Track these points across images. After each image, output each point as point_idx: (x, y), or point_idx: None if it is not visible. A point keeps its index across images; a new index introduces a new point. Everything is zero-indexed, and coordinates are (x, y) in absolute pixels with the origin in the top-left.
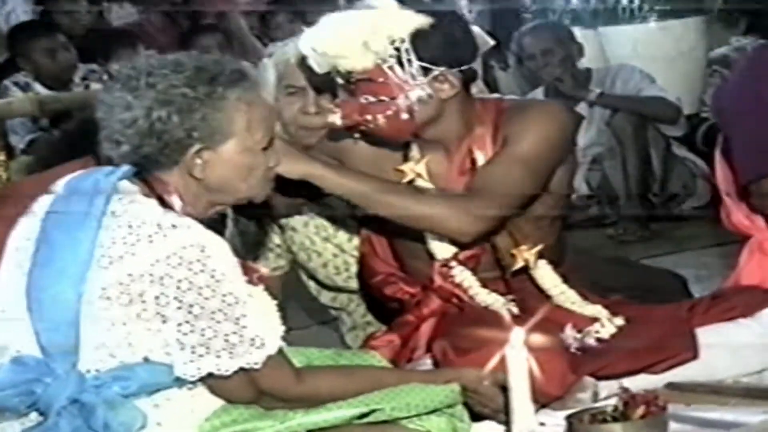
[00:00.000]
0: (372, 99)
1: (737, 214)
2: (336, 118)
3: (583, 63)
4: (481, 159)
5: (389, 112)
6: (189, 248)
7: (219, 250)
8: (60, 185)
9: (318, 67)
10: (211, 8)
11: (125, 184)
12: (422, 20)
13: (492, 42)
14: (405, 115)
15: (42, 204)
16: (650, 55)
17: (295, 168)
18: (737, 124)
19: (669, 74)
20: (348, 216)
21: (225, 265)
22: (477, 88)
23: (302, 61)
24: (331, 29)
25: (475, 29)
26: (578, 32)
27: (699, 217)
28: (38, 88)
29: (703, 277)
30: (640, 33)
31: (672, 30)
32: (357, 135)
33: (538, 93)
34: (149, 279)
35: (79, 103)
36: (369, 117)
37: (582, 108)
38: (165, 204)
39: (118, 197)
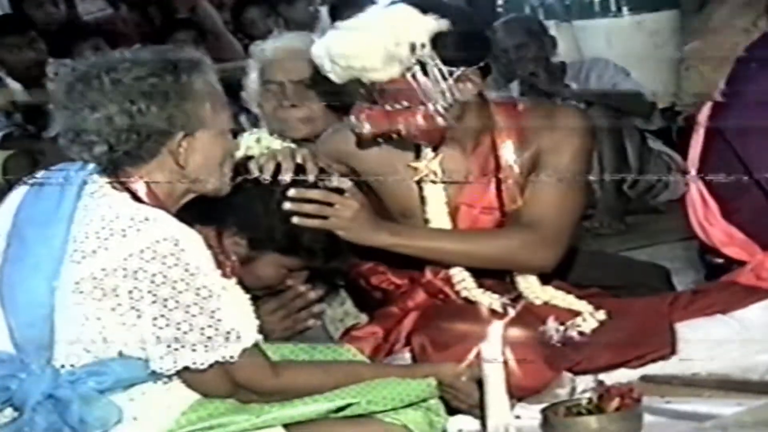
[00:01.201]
0: (398, 106)
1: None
2: (364, 127)
3: (558, 56)
4: (508, 159)
5: (421, 118)
6: (163, 242)
7: (193, 244)
8: (26, 183)
9: (338, 78)
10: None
11: (95, 178)
12: (439, 24)
13: None
14: (439, 119)
15: (12, 200)
16: (624, 48)
17: (367, 238)
18: None
19: (643, 68)
20: None
21: (199, 258)
22: None
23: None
24: (351, 41)
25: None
26: (552, 26)
27: (675, 210)
28: (10, 82)
29: (678, 269)
30: (615, 27)
31: (646, 24)
32: (381, 141)
33: (513, 87)
34: (122, 273)
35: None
36: (401, 125)
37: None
38: (137, 198)
39: (90, 191)
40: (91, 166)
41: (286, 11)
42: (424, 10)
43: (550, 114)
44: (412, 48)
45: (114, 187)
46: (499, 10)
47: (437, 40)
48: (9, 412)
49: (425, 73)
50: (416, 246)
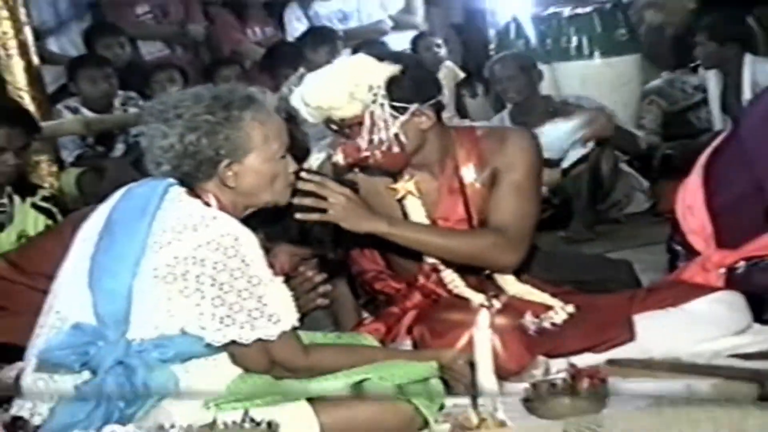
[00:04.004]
0: (365, 139)
1: (695, 235)
2: (339, 158)
3: (542, 91)
4: (468, 178)
5: (384, 147)
6: (226, 236)
7: (249, 241)
8: (121, 191)
9: (312, 118)
10: (227, 43)
11: (176, 189)
12: (392, 68)
13: (463, 74)
14: (396, 148)
15: (107, 204)
16: (596, 86)
17: (363, 225)
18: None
19: (611, 103)
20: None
21: (253, 253)
22: (449, 114)
23: None
24: (319, 87)
25: (449, 64)
26: None
27: (636, 221)
28: (85, 111)
29: (639, 270)
30: (587, 68)
31: (614, 65)
32: (357, 170)
33: (504, 115)
34: (192, 261)
35: (119, 124)
36: (367, 154)
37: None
38: (207, 204)
39: (170, 198)
40: (171, 179)
41: (310, 54)
42: (380, 59)
43: (504, 137)
44: (370, 89)
45: (190, 195)
46: (491, 53)
47: (392, 83)
48: (86, 375)
49: (382, 110)
50: (406, 236)
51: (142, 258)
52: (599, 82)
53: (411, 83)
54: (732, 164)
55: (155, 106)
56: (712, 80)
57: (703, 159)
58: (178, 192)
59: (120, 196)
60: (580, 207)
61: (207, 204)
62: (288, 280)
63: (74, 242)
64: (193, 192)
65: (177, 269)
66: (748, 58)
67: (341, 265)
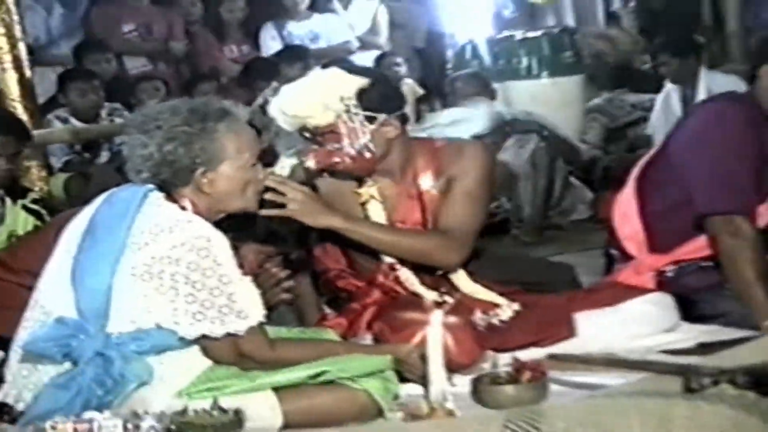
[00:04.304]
0: (336, 145)
1: (630, 241)
2: (311, 163)
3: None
4: (425, 186)
5: (353, 153)
6: (199, 238)
7: (221, 243)
8: (104, 195)
9: (289, 126)
10: (206, 59)
11: (154, 193)
12: (362, 81)
13: (422, 91)
14: (367, 154)
15: (90, 208)
16: (543, 103)
17: (320, 220)
18: (695, 166)
19: (558, 119)
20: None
21: (224, 254)
22: (411, 126)
23: None
24: (295, 97)
25: (409, 81)
26: None
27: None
28: (74, 121)
29: (579, 273)
30: (536, 87)
31: (560, 85)
32: (326, 174)
33: None
34: (167, 260)
35: (105, 134)
36: (338, 159)
37: None
38: (183, 209)
39: (149, 202)
40: (151, 185)
41: (285, 70)
42: (351, 72)
43: (460, 149)
44: (341, 99)
45: (167, 200)
46: (448, 72)
47: (361, 94)
48: (67, 365)
49: (353, 119)
50: (360, 232)
51: (122, 257)
52: (547, 100)
53: (379, 95)
54: (663, 176)
55: (136, 118)
56: (673, 95)
57: (636, 171)
58: (157, 197)
59: (102, 200)
60: (532, 213)
61: (183, 208)
62: (255, 278)
63: (59, 242)
64: (171, 197)
65: (153, 268)
66: (703, 71)
67: (304, 263)
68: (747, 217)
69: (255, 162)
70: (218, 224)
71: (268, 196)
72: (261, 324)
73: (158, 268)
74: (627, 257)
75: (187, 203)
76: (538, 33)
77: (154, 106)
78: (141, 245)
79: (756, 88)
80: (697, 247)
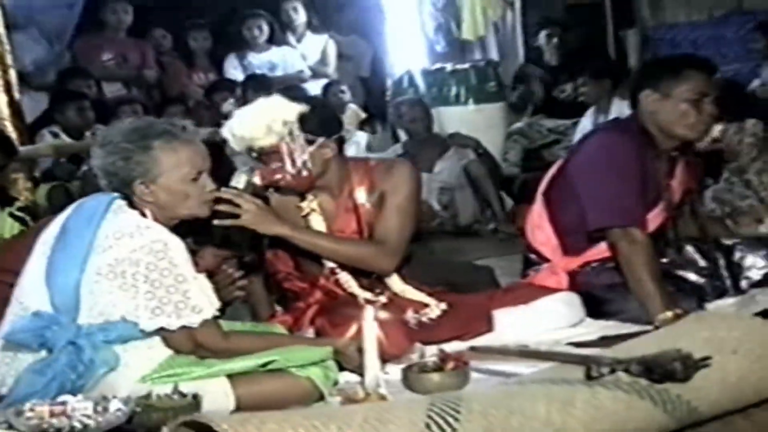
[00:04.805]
0: (279, 164)
1: (544, 246)
2: (257, 179)
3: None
4: (361, 200)
5: (293, 172)
6: (156, 242)
7: (176, 246)
8: (75, 204)
9: (237, 147)
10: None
11: (118, 201)
12: (303, 107)
13: (364, 115)
14: (305, 173)
15: (63, 215)
16: (470, 127)
17: (270, 229)
18: (588, 188)
19: (484, 141)
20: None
21: (180, 256)
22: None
23: None
24: (243, 121)
25: (353, 106)
26: None
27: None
28: (63, 136)
29: (498, 275)
30: (464, 112)
31: (484, 111)
32: (272, 190)
33: (398, 147)
34: (128, 261)
35: (84, 149)
36: (280, 176)
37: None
38: (143, 215)
39: (114, 209)
40: (116, 194)
41: (249, 96)
42: (293, 99)
43: (390, 167)
44: (284, 123)
45: (130, 208)
46: (387, 99)
47: (302, 119)
48: (43, 353)
49: (294, 141)
50: (305, 240)
51: (89, 258)
52: (473, 124)
53: (318, 120)
54: (565, 194)
55: (99, 135)
56: (588, 117)
57: (542, 186)
58: (120, 205)
59: (73, 208)
60: (465, 220)
61: (143, 215)
62: (212, 277)
63: (36, 245)
64: (132, 205)
65: (117, 268)
66: (615, 100)
67: (257, 266)
68: (639, 227)
69: (196, 176)
70: (177, 230)
71: (224, 207)
72: (215, 318)
73: (121, 268)
74: (544, 260)
75: (147, 210)
76: (466, 65)
77: (114, 125)
78: (105, 248)
79: (638, 112)
80: (603, 249)
